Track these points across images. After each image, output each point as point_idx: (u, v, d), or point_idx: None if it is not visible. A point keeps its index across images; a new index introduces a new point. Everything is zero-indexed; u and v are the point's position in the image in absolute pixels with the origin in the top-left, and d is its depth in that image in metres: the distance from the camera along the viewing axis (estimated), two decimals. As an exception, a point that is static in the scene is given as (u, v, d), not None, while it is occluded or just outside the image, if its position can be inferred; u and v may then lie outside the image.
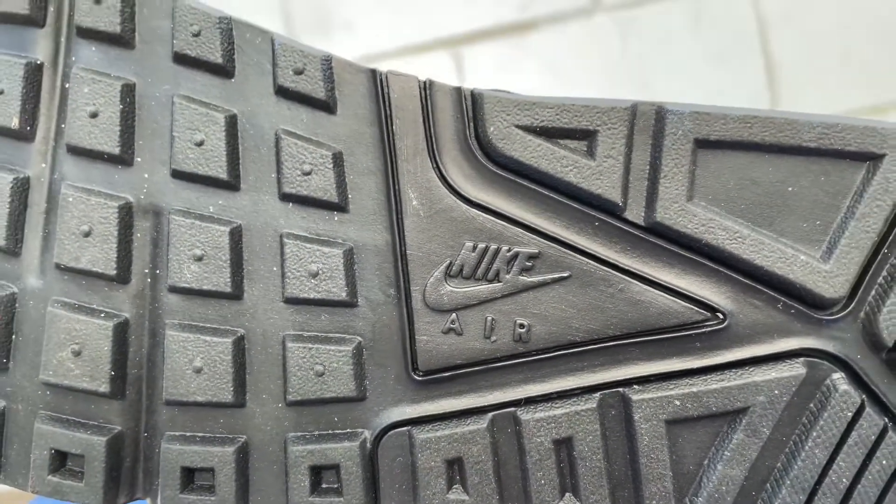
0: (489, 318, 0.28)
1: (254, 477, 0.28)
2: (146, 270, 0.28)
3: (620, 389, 0.27)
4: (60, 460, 0.28)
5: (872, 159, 0.26)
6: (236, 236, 0.28)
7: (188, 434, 0.28)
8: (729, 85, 0.78)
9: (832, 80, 0.77)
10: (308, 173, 0.28)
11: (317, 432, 0.28)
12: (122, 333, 0.28)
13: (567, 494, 0.27)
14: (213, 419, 0.28)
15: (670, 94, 0.77)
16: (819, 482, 0.27)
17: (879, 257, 0.27)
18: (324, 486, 0.28)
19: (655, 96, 0.75)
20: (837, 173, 0.27)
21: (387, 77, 0.28)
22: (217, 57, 0.28)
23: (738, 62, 0.78)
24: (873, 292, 0.27)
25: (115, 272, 0.28)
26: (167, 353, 0.28)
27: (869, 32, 0.77)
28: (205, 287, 0.28)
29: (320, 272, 0.28)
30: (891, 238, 0.27)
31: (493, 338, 0.28)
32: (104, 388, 0.28)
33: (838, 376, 0.27)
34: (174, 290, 0.28)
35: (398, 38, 0.77)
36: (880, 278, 0.27)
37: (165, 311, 0.28)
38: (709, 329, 0.27)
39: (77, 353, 0.28)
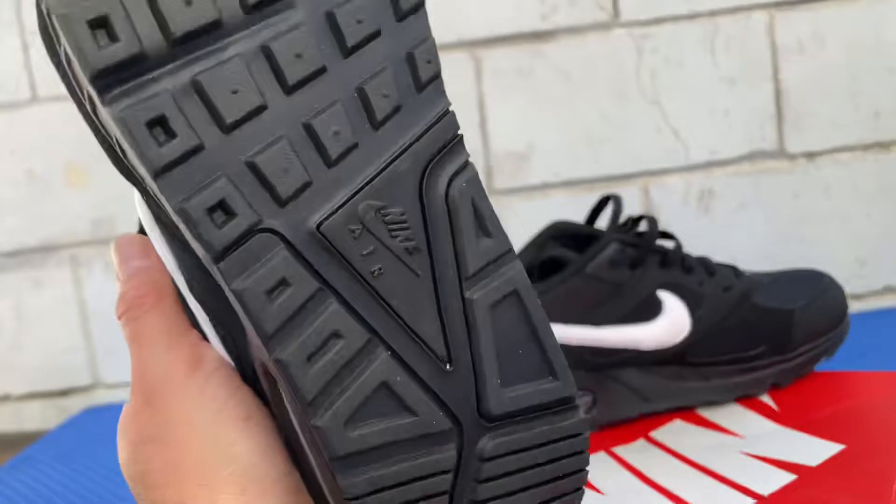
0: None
1: None
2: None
3: None
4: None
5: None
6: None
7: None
8: (737, 106, 0.80)
9: (839, 112, 0.80)
10: None
11: None
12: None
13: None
14: None
15: (679, 110, 0.81)
16: None
17: None
18: None
19: (664, 111, 0.81)
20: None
21: None
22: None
23: (748, 86, 0.80)
24: None
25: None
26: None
27: (878, 71, 0.79)
28: None
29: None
30: None
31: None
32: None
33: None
34: None
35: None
36: None
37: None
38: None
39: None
